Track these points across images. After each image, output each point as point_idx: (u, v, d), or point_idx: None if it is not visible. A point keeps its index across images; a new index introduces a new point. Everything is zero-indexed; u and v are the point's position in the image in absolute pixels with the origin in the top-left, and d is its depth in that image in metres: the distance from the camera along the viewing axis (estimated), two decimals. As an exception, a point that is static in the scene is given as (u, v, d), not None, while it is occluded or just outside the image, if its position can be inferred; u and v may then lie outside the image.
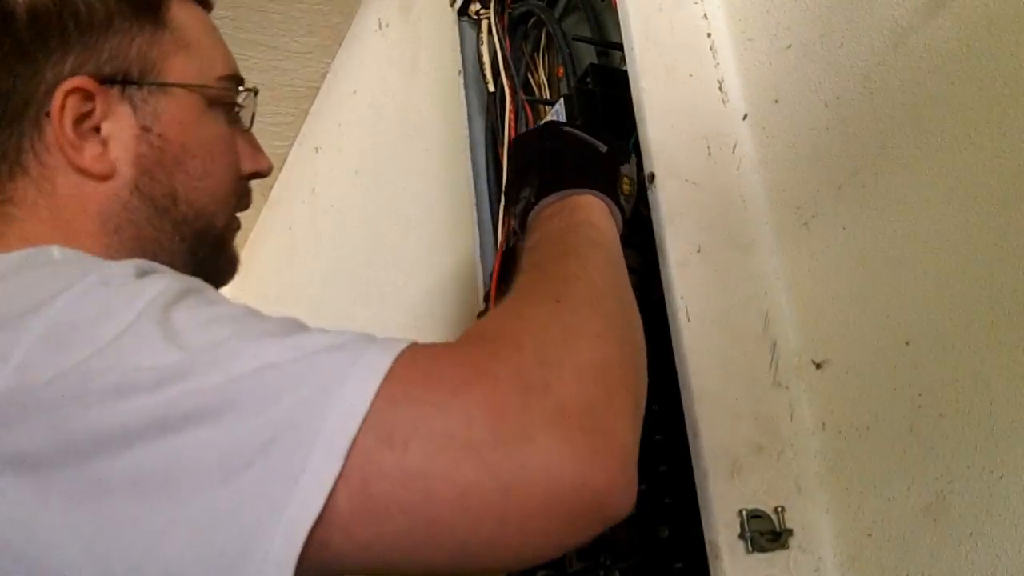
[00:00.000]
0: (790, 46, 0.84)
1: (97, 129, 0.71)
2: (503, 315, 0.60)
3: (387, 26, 1.91)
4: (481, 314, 0.87)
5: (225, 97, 0.77)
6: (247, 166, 0.80)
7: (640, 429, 0.55)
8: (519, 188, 0.79)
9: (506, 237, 0.90)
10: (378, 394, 0.49)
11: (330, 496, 0.47)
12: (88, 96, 0.70)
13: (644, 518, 0.79)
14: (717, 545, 0.72)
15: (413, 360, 0.51)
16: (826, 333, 0.78)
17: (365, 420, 0.48)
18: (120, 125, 0.71)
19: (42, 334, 0.52)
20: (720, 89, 0.89)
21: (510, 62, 1.17)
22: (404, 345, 0.52)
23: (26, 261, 0.61)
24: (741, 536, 0.72)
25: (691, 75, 0.88)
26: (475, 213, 1.19)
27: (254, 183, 0.83)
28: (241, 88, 0.79)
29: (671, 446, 0.80)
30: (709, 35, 0.91)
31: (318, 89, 2.34)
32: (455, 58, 1.26)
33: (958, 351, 0.67)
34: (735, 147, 0.87)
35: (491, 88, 1.21)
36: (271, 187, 2.72)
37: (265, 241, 2.85)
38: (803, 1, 0.83)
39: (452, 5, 1.27)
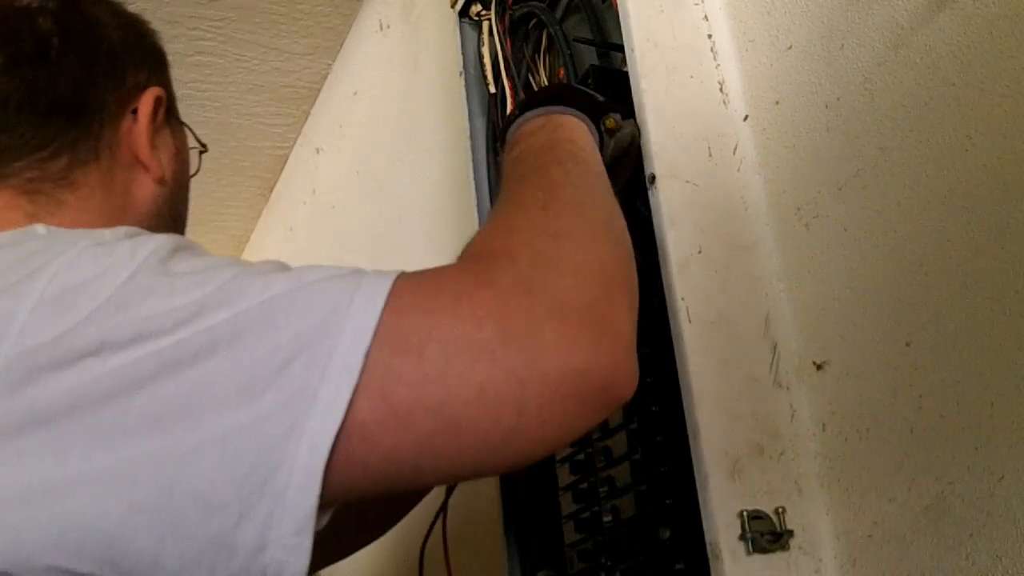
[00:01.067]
0: (791, 47, 0.84)
1: (155, 136, 0.77)
2: (492, 231, 0.62)
3: (388, 27, 1.91)
4: None
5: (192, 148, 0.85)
6: None
7: (636, 321, 0.58)
8: (511, 118, 0.81)
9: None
10: (387, 307, 0.51)
11: (351, 407, 0.49)
12: (161, 106, 0.77)
13: (645, 519, 0.79)
14: (718, 546, 0.72)
15: (414, 278, 0.55)
16: (827, 334, 0.78)
17: (377, 332, 0.50)
18: (166, 143, 0.78)
19: (42, 298, 0.52)
20: (721, 90, 0.89)
21: (511, 63, 1.17)
22: (399, 271, 0.55)
23: (14, 237, 0.62)
24: (742, 537, 0.72)
25: (692, 76, 0.88)
26: (476, 214, 1.19)
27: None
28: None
29: (672, 447, 0.80)
30: (710, 36, 0.91)
31: (319, 90, 2.35)
32: (456, 59, 1.26)
33: (959, 352, 0.67)
34: (736, 148, 0.87)
35: (492, 89, 1.21)
36: (272, 188, 2.72)
37: (266, 242, 2.85)
38: (804, 2, 0.83)
39: (453, 6, 1.27)
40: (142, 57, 0.78)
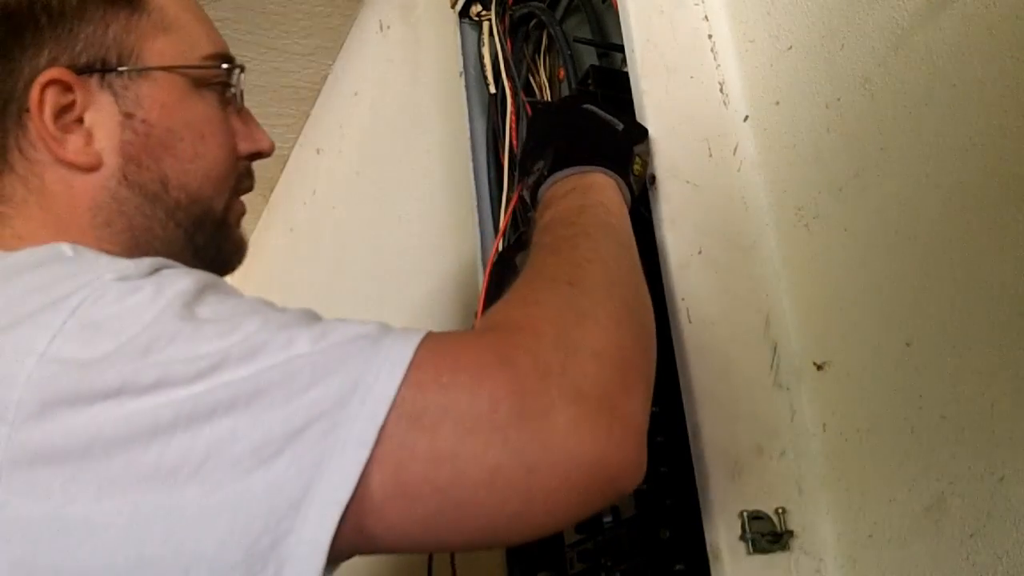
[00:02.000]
0: (791, 48, 0.84)
1: (80, 120, 0.70)
2: (519, 300, 0.61)
3: (388, 28, 1.91)
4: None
5: (212, 76, 0.75)
6: (245, 146, 0.78)
7: (649, 408, 0.58)
8: (533, 160, 0.80)
9: (509, 219, 0.91)
10: (405, 380, 0.51)
11: (363, 479, 0.49)
12: (66, 87, 0.69)
13: (645, 519, 0.79)
14: (718, 546, 0.72)
15: (436, 348, 0.53)
16: (827, 334, 0.78)
17: (394, 405, 0.50)
18: (102, 114, 0.70)
19: (63, 330, 0.52)
20: (721, 91, 0.89)
21: (511, 64, 1.17)
22: (423, 334, 0.54)
23: (37, 258, 0.61)
24: (742, 537, 0.72)
25: (692, 77, 0.88)
26: (476, 214, 1.19)
27: (257, 176, 0.81)
28: (227, 66, 0.77)
29: (672, 447, 0.80)
30: (710, 37, 0.91)
31: (319, 91, 2.35)
32: (456, 60, 1.26)
33: (959, 353, 0.67)
34: (736, 148, 0.87)
35: (492, 90, 1.21)
36: (272, 188, 2.72)
37: (266, 242, 2.85)
38: (804, 3, 0.83)
39: (453, 7, 1.27)
40: (37, 34, 0.70)
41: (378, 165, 1.90)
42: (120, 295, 0.54)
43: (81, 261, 0.60)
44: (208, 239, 0.74)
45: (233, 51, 0.84)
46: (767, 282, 0.83)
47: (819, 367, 0.78)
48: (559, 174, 0.75)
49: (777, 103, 0.85)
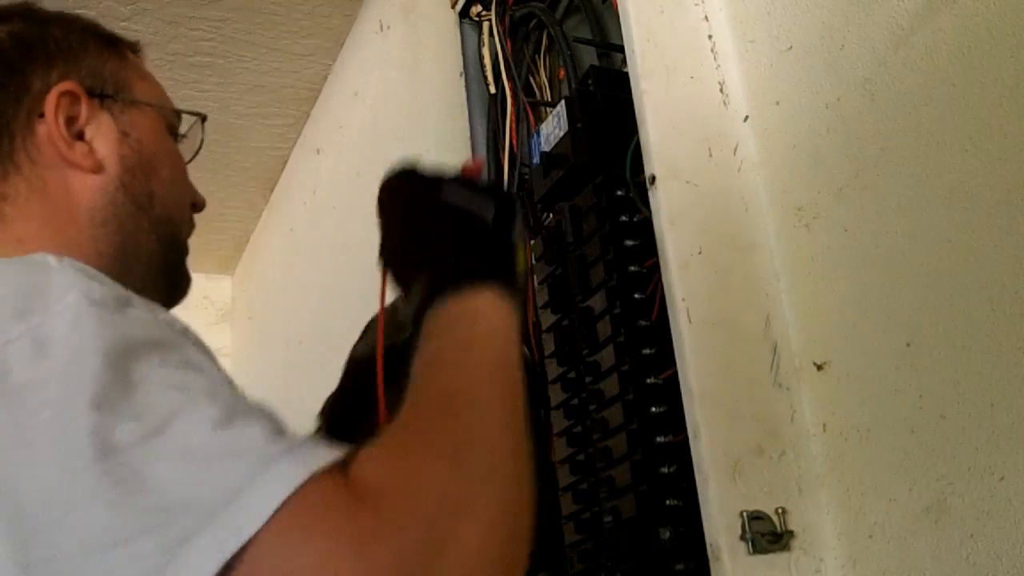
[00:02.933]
0: (791, 48, 0.84)
1: (82, 133, 0.77)
2: (396, 465, 0.58)
3: (388, 28, 1.91)
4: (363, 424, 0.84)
5: (175, 126, 0.85)
6: (192, 195, 0.86)
7: None
8: (407, 270, 0.76)
9: (383, 301, 0.89)
10: (268, 524, 0.49)
11: None
12: (76, 100, 0.77)
13: (645, 520, 0.79)
14: (718, 546, 0.72)
15: (311, 495, 0.51)
16: (827, 335, 0.78)
17: (248, 546, 0.49)
18: (102, 129, 0.78)
19: (16, 341, 0.55)
20: (721, 91, 0.89)
21: (511, 64, 1.17)
22: (305, 475, 0.52)
23: (15, 268, 0.64)
24: (742, 537, 0.72)
25: (692, 77, 0.88)
26: (476, 215, 1.19)
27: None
28: (195, 118, 0.86)
29: (673, 448, 0.80)
30: (710, 37, 0.91)
31: (319, 91, 2.35)
32: (456, 60, 1.27)
33: (959, 353, 0.67)
34: (736, 149, 0.87)
35: (492, 90, 1.21)
36: (272, 189, 2.72)
37: (266, 243, 2.85)
38: (804, 3, 0.83)
39: (453, 7, 1.27)
40: (48, 56, 0.78)
41: (378, 165, 1.90)
42: (74, 321, 0.56)
43: (59, 273, 0.62)
44: (176, 259, 0.81)
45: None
46: (767, 282, 0.83)
47: (819, 367, 0.79)
48: (439, 301, 0.68)
49: (777, 103, 0.85)
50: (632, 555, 0.81)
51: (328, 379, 2.18)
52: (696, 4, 0.92)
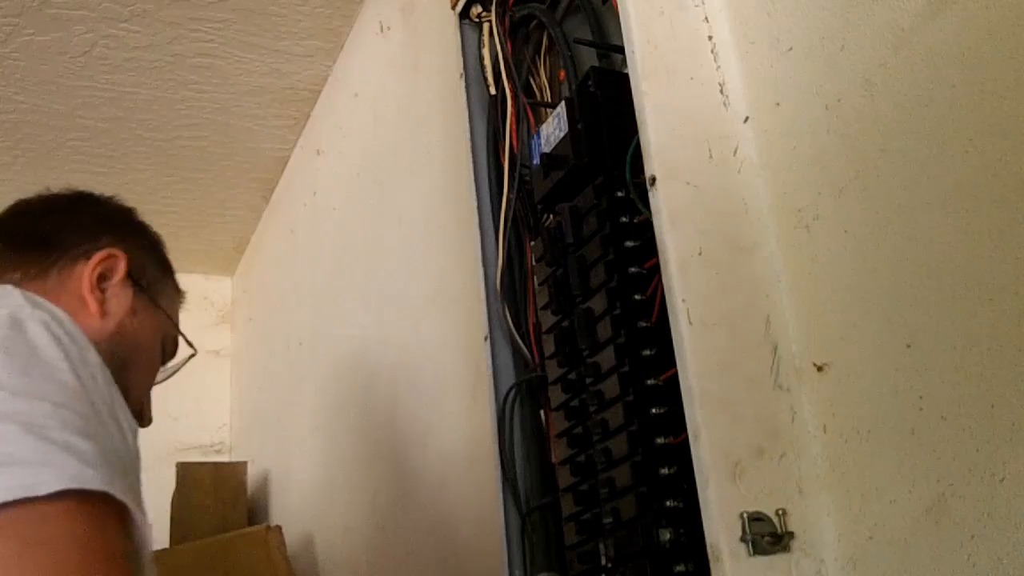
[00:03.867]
0: (791, 49, 0.84)
1: (104, 290, 0.96)
2: None
3: (388, 29, 1.91)
4: None
5: (171, 345, 1.05)
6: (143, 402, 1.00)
7: None
8: None
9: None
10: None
11: None
12: (116, 267, 0.97)
13: (646, 521, 0.79)
14: (719, 548, 0.72)
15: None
16: (827, 336, 0.78)
17: None
18: (120, 299, 0.97)
19: None
20: (721, 92, 0.89)
21: (511, 65, 1.17)
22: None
23: None
24: (743, 539, 0.72)
25: (692, 78, 0.88)
26: (476, 215, 1.19)
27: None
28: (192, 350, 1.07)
29: (673, 449, 0.80)
30: (710, 38, 0.91)
31: (319, 92, 2.35)
32: (456, 61, 1.27)
33: (959, 354, 0.67)
34: (736, 150, 0.87)
35: (492, 91, 1.21)
36: (272, 190, 2.72)
37: (266, 244, 2.85)
38: (804, 4, 0.83)
39: (453, 8, 1.27)
40: (121, 235, 1.01)
41: (378, 166, 1.90)
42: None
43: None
44: None
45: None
46: (767, 283, 0.83)
47: (819, 368, 0.79)
48: None
49: (777, 104, 0.85)
50: (632, 556, 0.81)
51: (328, 380, 2.18)
52: (696, 5, 0.92)
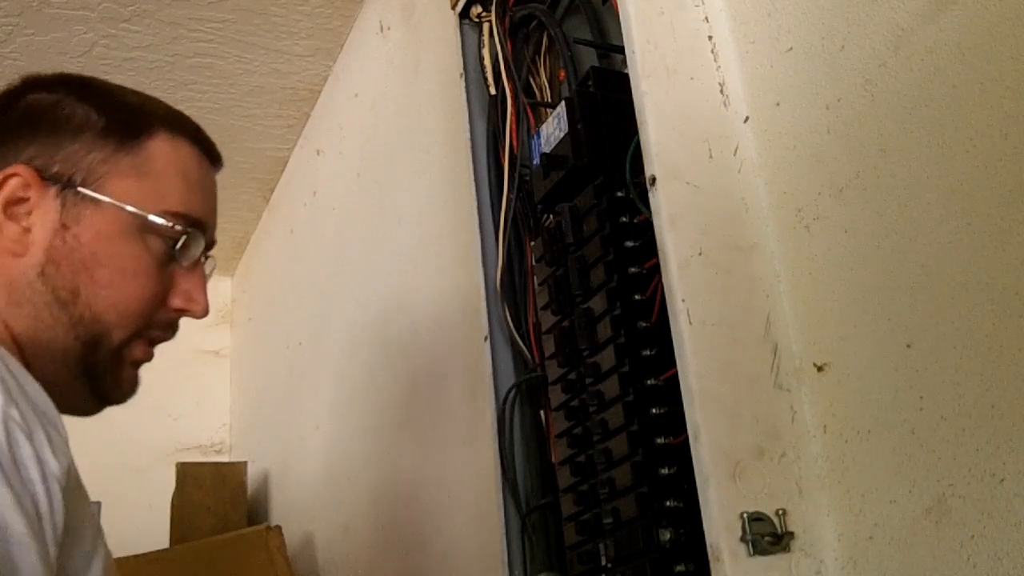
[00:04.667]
0: (791, 49, 0.84)
1: (29, 213, 0.79)
2: None
3: (388, 29, 1.91)
4: None
5: (161, 229, 0.82)
6: (176, 301, 0.84)
7: None
8: None
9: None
10: None
11: None
12: (26, 184, 0.79)
13: (646, 521, 0.79)
14: (719, 548, 0.72)
15: None
16: (827, 336, 0.78)
17: None
18: (45, 218, 0.79)
19: None
20: (721, 92, 0.89)
21: (511, 65, 1.17)
22: None
23: None
24: (743, 539, 0.72)
25: (692, 78, 0.88)
26: (476, 215, 1.19)
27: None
28: (188, 230, 0.84)
29: (673, 449, 0.80)
30: (710, 38, 0.91)
31: (319, 92, 2.35)
32: (456, 61, 1.27)
33: (959, 354, 0.67)
34: (736, 150, 0.87)
35: (492, 91, 1.21)
36: (272, 190, 2.72)
37: (266, 244, 2.85)
38: (804, 4, 0.83)
39: (453, 8, 1.27)
40: (33, 133, 0.82)
41: (378, 166, 1.90)
42: None
43: None
44: (100, 363, 0.81)
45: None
46: (767, 283, 0.83)
47: (819, 368, 0.78)
48: None
49: (777, 104, 0.85)
50: (633, 556, 0.81)
51: (328, 380, 2.18)
52: (696, 5, 0.92)
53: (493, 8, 1.22)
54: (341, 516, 1.91)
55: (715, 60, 0.90)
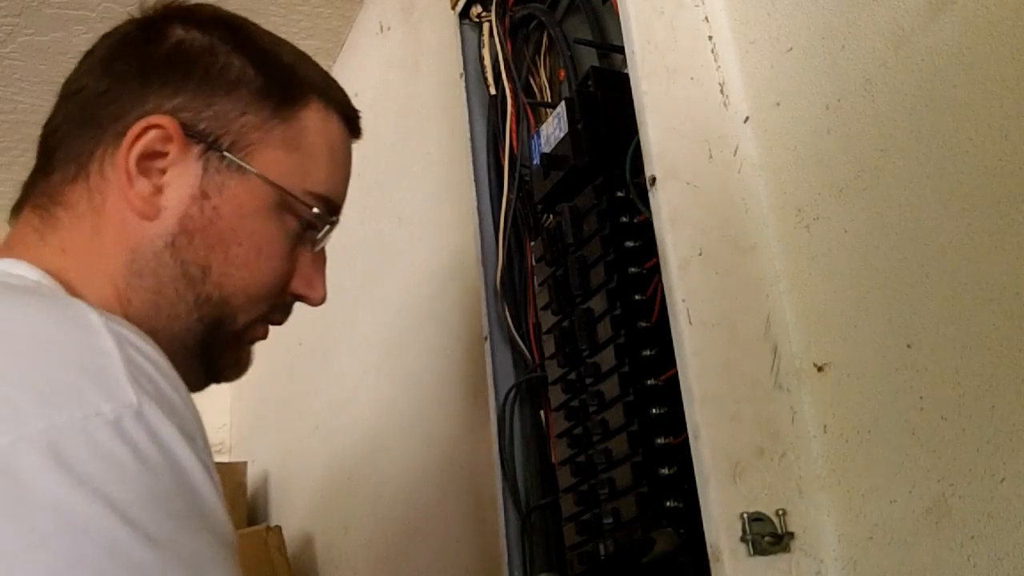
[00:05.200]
0: (791, 49, 0.84)
1: (163, 171, 0.71)
2: None
3: (388, 29, 1.91)
4: None
5: (301, 210, 0.75)
6: (297, 285, 0.78)
7: None
8: None
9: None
10: None
11: None
12: (167, 138, 0.70)
13: (647, 521, 0.79)
14: (719, 548, 0.72)
15: None
16: (828, 336, 0.78)
17: None
18: (183, 180, 0.71)
19: (61, 430, 0.50)
20: (721, 92, 0.89)
21: (511, 65, 1.17)
22: None
23: (12, 290, 0.61)
24: (743, 539, 0.72)
25: (692, 78, 0.88)
26: (476, 215, 1.19)
27: None
28: (318, 211, 0.77)
29: (673, 450, 0.80)
30: (710, 38, 0.91)
31: (319, 92, 2.34)
32: (456, 61, 1.26)
33: (959, 354, 0.67)
34: (736, 150, 0.87)
35: (492, 91, 1.21)
36: (272, 190, 2.72)
37: (266, 244, 2.85)
38: (805, 4, 0.83)
39: (453, 8, 1.27)
40: (185, 78, 0.72)
41: (378, 166, 1.90)
42: (106, 446, 0.50)
43: (101, 367, 0.55)
44: (219, 343, 0.74)
45: None
46: (768, 283, 0.83)
47: (820, 368, 0.78)
48: None
49: (778, 104, 0.85)
50: (633, 556, 0.81)
51: (327, 381, 2.18)
52: (696, 5, 0.92)
53: (493, 8, 1.21)
54: (341, 516, 1.91)
55: (715, 60, 0.90)
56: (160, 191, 0.71)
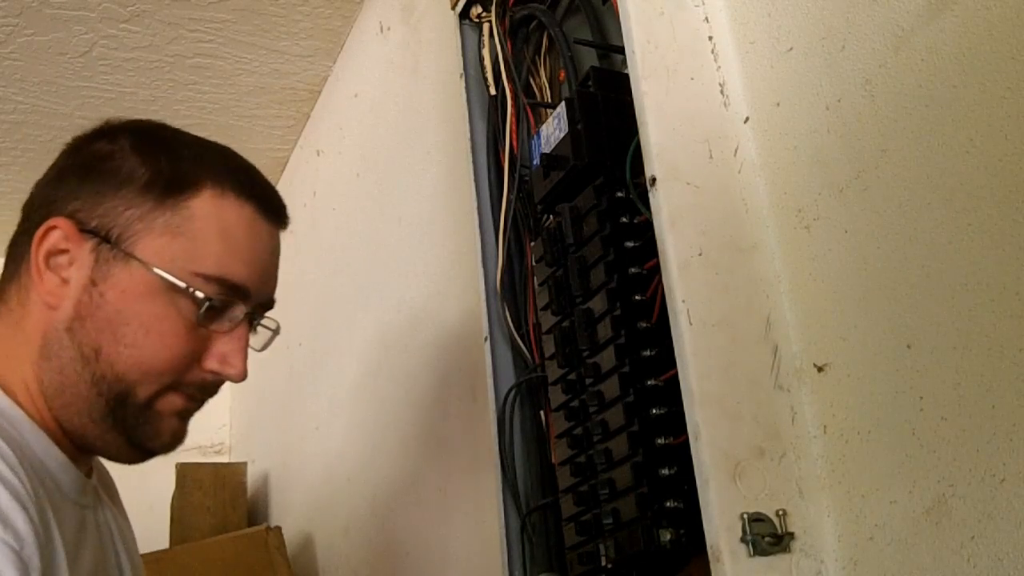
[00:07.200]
0: (791, 49, 0.84)
1: (70, 265, 0.80)
2: None
3: (388, 29, 1.91)
4: None
5: (188, 292, 0.80)
6: (211, 363, 0.83)
7: None
8: None
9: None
10: None
11: None
12: (66, 236, 0.80)
13: (647, 522, 0.79)
14: (719, 548, 0.72)
15: None
16: (828, 336, 0.78)
17: None
18: (80, 272, 0.80)
19: None
20: (721, 92, 0.89)
21: (511, 65, 1.17)
22: None
23: None
24: (743, 539, 0.72)
25: (692, 78, 0.88)
26: (476, 216, 1.19)
27: None
28: (228, 295, 0.82)
29: (673, 450, 0.80)
30: (711, 38, 0.91)
31: (319, 92, 2.35)
32: (456, 61, 1.26)
33: (959, 354, 0.67)
34: (736, 150, 0.87)
35: (492, 91, 1.21)
36: (272, 190, 2.72)
37: (266, 244, 2.85)
38: (804, 4, 0.83)
39: (453, 8, 1.27)
40: (81, 184, 0.82)
41: (378, 166, 1.90)
42: None
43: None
44: (129, 417, 0.81)
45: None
46: (768, 284, 0.83)
47: (820, 369, 0.78)
48: None
49: (778, 104, 0.85)
50: (633, 557, 0.80)
51: (327, 381, 2.18)
52: (696, 5, 0.92)
53: (493, 8, 1.21)
54: (341, 517, 1.91)
55: (715, 60, 0.90)
56: (67, 283, 0.80)
